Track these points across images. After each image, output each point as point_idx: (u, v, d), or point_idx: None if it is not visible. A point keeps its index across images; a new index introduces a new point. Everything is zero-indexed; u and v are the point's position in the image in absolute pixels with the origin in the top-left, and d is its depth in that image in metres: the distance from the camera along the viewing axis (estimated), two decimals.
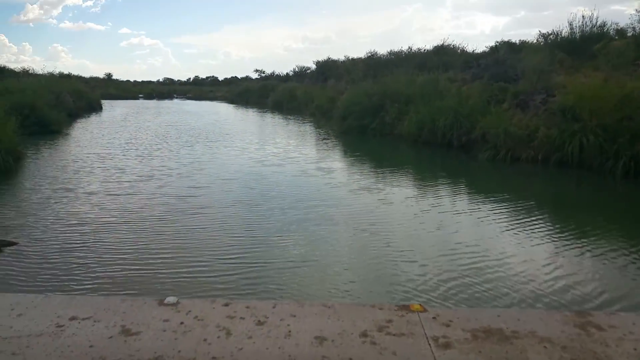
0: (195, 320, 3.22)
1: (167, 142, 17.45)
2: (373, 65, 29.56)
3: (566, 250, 6.38)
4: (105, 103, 40.15)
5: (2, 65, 38.34)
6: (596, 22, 18.98)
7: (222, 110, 39.02)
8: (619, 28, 19.67)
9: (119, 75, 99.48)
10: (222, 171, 11.85)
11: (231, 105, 45.74)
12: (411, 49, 31.37)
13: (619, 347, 2.88)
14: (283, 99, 37.00)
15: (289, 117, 29.70)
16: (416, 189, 10.29)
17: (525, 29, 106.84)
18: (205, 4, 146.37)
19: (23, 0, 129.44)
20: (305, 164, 12.88)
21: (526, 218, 7.77)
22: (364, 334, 3.06)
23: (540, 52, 18.50)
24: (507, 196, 9.30)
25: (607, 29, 19.17)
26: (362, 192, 9.63)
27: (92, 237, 6.72)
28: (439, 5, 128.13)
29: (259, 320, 3.21)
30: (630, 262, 5.90)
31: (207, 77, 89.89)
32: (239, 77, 76.96)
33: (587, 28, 18.92)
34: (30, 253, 6.10)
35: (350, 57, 37.92)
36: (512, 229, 7.25)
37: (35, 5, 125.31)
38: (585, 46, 17.99)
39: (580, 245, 6.54)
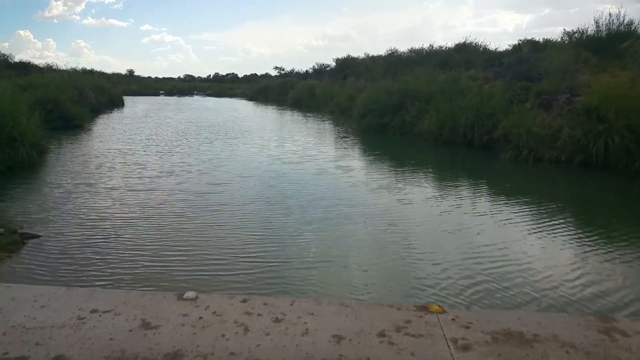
0: (214, 315, 3.26)
1: (187, 139, 17.54)
2: (393, 63, 29.38)
3: (591, 254, 6.21)
4: (127, 99, 40.61)
5: (26, 61, 39.01)
6: (623, 20, 18.51)
7: (241, 107, 39.15)
8: None
9: (141, 71, 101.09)
10: (241, 168, 11.85)
11: (250, 102, 45.86)
12: (432, 47, 31.28)
13: None
14: (302, 97, 36.95)
15: (308, 114, 29.65)
16: (437, 189, 10.14)
17: (550, 27, 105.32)
18: (226, 1, 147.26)
19: None
20: (324, 162, 12.81)
21: (550, 221, 7.59)
22: (382, 334, 3.04)
23: (565, 51, 18.12)
24: (530, 198, 9.11)
25: (635, 27, 18.62)
26: (382, 192, 9.52)
27: (113, 232, 6.78)
28: (461, 3, 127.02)
29: (277, 318, 3.23)
30: None
31: (227, 74, 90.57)
32: (259, 74, 77.31)
33: (614, 26, 18.47)
34: (52, 246, 6.19)
35: (370, 55, 37.81)
36: (536, 231, 7.09)
37: (59, 2, 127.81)
38: (611, 45, 17.55)
39: (605, 249, 6.36)
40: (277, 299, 3.73)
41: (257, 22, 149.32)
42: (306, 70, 54.13)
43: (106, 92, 33.15)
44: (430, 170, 12.28)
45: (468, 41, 29.90)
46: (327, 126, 23.69)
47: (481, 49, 28.92)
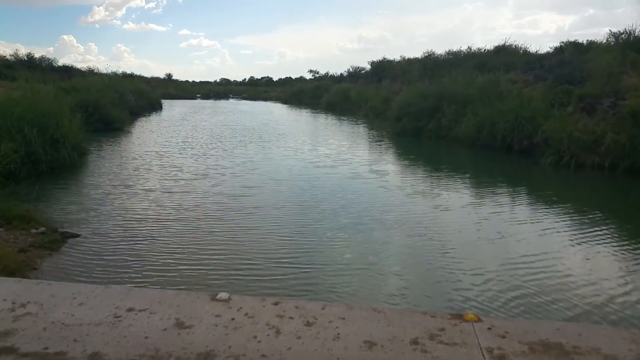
0: (246, 317, 3.24)
1: (222, 142, 17.74)
2: (430, 65, 29.10)
3: (637, 266, 5.93)
4: (165, 102, 41.48)
5: (69, 65, 40.55)
6: None
7: (275, 111, 39.47)
8: None
9: (179, 75, 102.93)
10: (275, 172, 11.89)
11: (285, 106, 46.15)
12: (470, 49, 30.99)
13: None
14: (336, 100, 36.98)
15: (342, 118, 29.60)
16: (474, 194, 9.88)
17: (594, 28, 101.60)
18: (262, 5, 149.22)
19: (90, 3, 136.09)
20: (358, 166, 12.71)
21: (593, 230, 7.29)
22: (415, 342, 2.95)
23: (610, 53, 17.54)
24: (572, 205, 8.79)
25: None
26: (417, 197, 9.37)
27: (149, 233, 6.88)
28: (501, 4, 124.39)
29: (308, 321, 3.19)
30: None
31: (262, 78, 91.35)
32: (293, 77, 77.79)
33: None
34: (91, 245, 6.34)
35: (407, 57, 37.55)
36: (578, 241, 6.81)
37: (101, 7, 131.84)
38: None
39: None
40: (308, 303, 3.69)
41: (293, 26, 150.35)
42: (341, 74, 54.11)
43: (145, 95, 33.94)
44: (467, 175, 12.03)
45: (508, 43, 29.52)
46: (361, 130, 23.59)
47: (521, 51, 28.45)
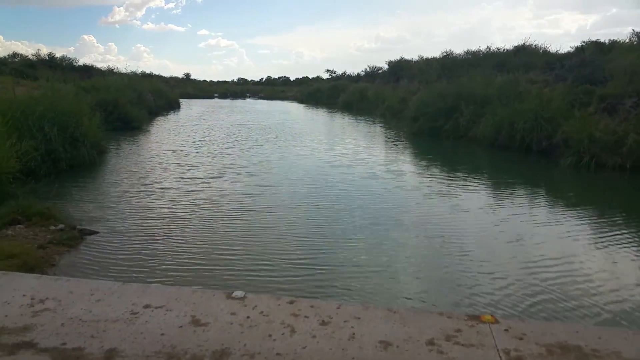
0: (261, 315, 3.28)
1: (238, 141, 17.80)
2: (448, 65, 28.86)
3: None
4: (183, 102, 41.81)
5: (89, 64, 41.09)
6: None
7: (292, 110, 39.52)
8: None
9: (197, 75, 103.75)
10: (291, 171, 11.88)
11: (301, 105, 46.17)
12: (489, 49, 30.71)
13: None
14: (353, 100, 36.90)
15: (359, 117, 29.50)
16: (493, 195, 9.75)
17: (617, 28, 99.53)
18: (280, 5, 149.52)
19: (111, 3, 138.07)
20: (375, 166, 12.63)
21: (615, 233, 7.13)
22: (431, 342, 2.96)
23: (633, 52, 17.18)
24: (593, 207, 8.64)
25: None
26: (435, 197, 9.26)
27: (165, 231, 6.92)
28: (521, 4, 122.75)
29: (323, 321, 3.21)
30: None
31: (279, 77, 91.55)
32: (310, 77, 77.79)
33: None
34: (108, 243, 6.41)
35: (424, 57, 37.29)
36: (600, 244, 6.66)
37: (121, 8, 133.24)
38: None
39: None
40: (323, 302, 3.71)
41: (310, 26, 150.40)
42: (358, 73, 54.00)
43: (164, 95, 34.21)
44: (485, 175, 11.87)
45: (527, 43, 29.17)
46: (378, 129, 23.49)
47: (541, 51, 28.08)
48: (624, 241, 6.77)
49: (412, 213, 8.10)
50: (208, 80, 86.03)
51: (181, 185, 9.93)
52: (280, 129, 22.38)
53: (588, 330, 3.38)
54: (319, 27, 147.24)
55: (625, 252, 6.37)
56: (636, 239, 6.91)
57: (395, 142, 18.35)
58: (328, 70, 65.60)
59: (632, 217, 8.26)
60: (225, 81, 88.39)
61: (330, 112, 35.85)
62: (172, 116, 30.00)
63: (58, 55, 39.98)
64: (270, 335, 3.01)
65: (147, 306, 3.39)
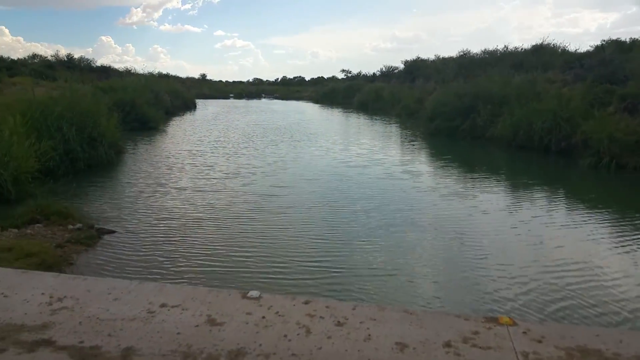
0: (276, 315, 3.25)
1: (253, 141, 17.85)
2: (465, 64, 28.69)
3: None
4: (199, 102, 42.14)
5: (107, 65, 41.67)
6: None
7: (307, 110, 39.55)
8: None
9: (213, 75, 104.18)
10: (306, 171, 11.86)
11: (317, 105, 46.21)
12: (507, 48, 30.60)
13: None
14: (368, 99, 36.83)
15: (375, 117, 29.41)
16: (512, 197, 9.60)
17: (637, 26, 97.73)
18: (296, 5, 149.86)
19: (128, 4, 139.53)
20: (391, 166, 12.56)
21: (637, 235, 6.99)
22: (448, 344, 2.90)
23: None
24: (614, 209, 8.46)
25: None
26: (452, 198, 9.16)
27: (181, 231, 6.95)
28: (539, 3, 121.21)
29: (339, 321, 3.17)
30: None
31: (295, 77, 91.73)
32: (326, 77, 77.82)
33: None
34: (125, 242, 6.46)
35: (441, 57, 37.14)
36: (622, 246, 6.53)
37: (138, 9, 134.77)
38: None
39: None
40: (339, 303, 3.68)
41: (326, 26, 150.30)
42: (373, 73, 53.84)
43: (180, 95, 34.50)
44: (503, 176, 11.72)
45: (546, 42, 28.89)
46: (394, 129, 23.38)
47: (560, 50, 27.76)
48: None
49: (429, 214, 8.01)
50: (224, 80, 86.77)
51: (197, 186, 9.97)
52: (295, 129, 22.40)
53: (609, 333, 3.30)
54: (335, 27, 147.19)
55: None
56: None
57: (411, 142, 18.25)
58: (343, 70, 65.57)
59: None
60: (240, 81, 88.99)
61: (346, 112, 35.82)
62: (188, 116, 30.22)
63: (76, 56, 40.72)
64: (285, 336, 2.98)
65: (163, 305, 3.39)
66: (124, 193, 9.26)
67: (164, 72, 53.81)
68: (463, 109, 18.45)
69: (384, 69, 50.56)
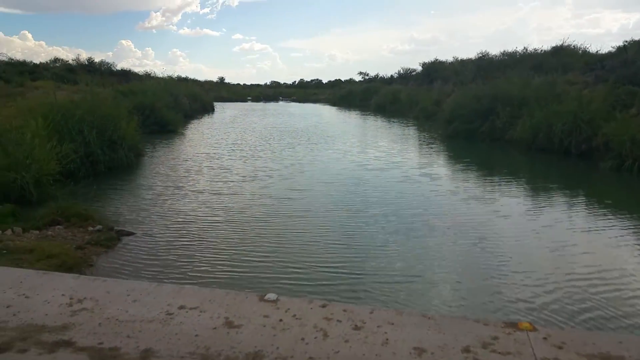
0: (294, 318, 3.27)
1: (270, 144, 17.88)
2: (484, 66, 28.43)
3: None
4: (217, 105, 42.48)
5: (127, 69, 42.11)
6: None
7: (324, 113, 39.51)
8: None
9: (231, 78, 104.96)
10: (323, 174, 11.83)
11: (334, 108, 46.16)
12: (526, 50, 30.30)
13: None
14: (386, 102, 36.73)
15: (392, 120, 29.26)
16: (533, 200, 9.40)
17: None
18: (313, 8, 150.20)
19: (148, 9, 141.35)
20: (409, 169, 12.47)
21: None
22: (467, 350, 2.88)
23: None
24: (639, 213, 8.25)
25: None
26: (472, 202, 9.03)
27: (198, 234, 6.98)
28: (559, 3, 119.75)
29: (356, 325, 3.18)
30: None
31: (312, 80, 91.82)
32: (343, 79, 77.77)
33: None
34: (144, 244, 6.52)
35: (459, 58, 36.88)
36: None
37: (158, 13, 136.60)
38: None
39: None
40: (356, 306, 3.65)
41: (343, 28, 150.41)
42: (391, 75, 53.72)
43: (198, 98, 34.82)
44: (524, 179, 11.53)
45: (566, 43, 28.48)
46: (411, 132, 23.22)
47: (580, 51, 27.32)
48: None
49: (449, 218, 7.90)
50: (242, 83, 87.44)
51: (214, 189, 10.01)
52: (312, 132, 22.39)
53: (632, 340, 3.23)
54: (352, 30, 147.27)
55: None
56: None
57: (429, 145, 18.11)
58: (361, 73, 65.27)
59: None
60: (258, 84, 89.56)
61: (363, 114, 35.71)
62: (206, 119, 30.42)
63: (97, 60, 41.12)
64: (302, 339, 2.99)
65: (181, 307, 3.42)
66: (143, 195, 9.34)
67: (183, 75, 54.29)
68: (482, 111, 18.28)
69: (401, 71, 50.39)
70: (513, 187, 10.50)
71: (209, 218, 7.81)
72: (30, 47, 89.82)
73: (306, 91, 74.12)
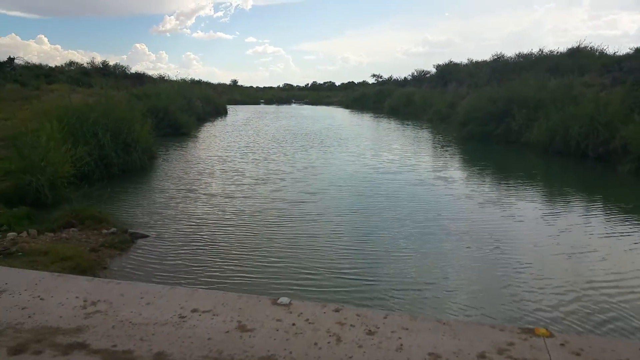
0: (307, 323, 3.27)
1: (283, 146, 17.86)
2: (499, 68, 28.26)
3: None
4: (230, 108, 42.63)
5: (141, 72, 42.40)
6: None
7: (337, 115, 39.46)
8: None
9: (244, 81, 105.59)
10: (337, 177, 11.76)
11: (347, 110, 46.12)
12: (542, 52, 30.14)
13: None
14: (399, 104, 36.65)
15: (406, 122, 29.11)
16: (550, 204, 9.23)
17: None
18: (326, 11, 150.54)
19: (162, 12, 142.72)
20: (423, 173, 12.36)
21: None
22: (482, 355, 2.85)
23: None
24: None
25: None
26: (488, 206, 8.90)
27: (210, 237, 6.97)
28: (575, 5, 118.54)
29: (370, 330, 3.16)
30: None
31: (325, 83, 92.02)
32: (356, 82, 77.69)
33: None
34: (157, 247, 6.52)
35: (474, 60, 36.69)
36: None
37: (172, 17, 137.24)
38: None
39: None
40: (370, 311, 3.61)
41: (356, 30, 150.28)
42: (404, 78, 53.56)
43: (212, 101, 35.00)
44: (540, 183, 11.36)
45: (582, 45, 28.19)
46: (425, 134, 23.07)
47: (597, 53, 27.03)
48: None
49: (464, 222, 7.79)
50: (254, 86, 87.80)
51: (226, 192, 10.01)
52: (325, 135, 22.34)
53: None
54: (365, 32, 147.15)
55: None
56: None
57: (444, 148, 17.96)
58: (374, 75, 65.09)
59: None
60: (271, 87, 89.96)
61: (376, 117, 35.61)
62: (219, 122, 30.54)
63: (111, 63, 41.50)
64: (315, 344, 2.97)
65: (194, 310, 3.43)
66: (156, 198, 9.36)
67: (196, 78, 54.81)
68: (497, 114, 18.14)
69: (415, 74, 50.16)
70: (529, 191, 10.34)
71: (221, 221, 7.80)
72: (46, 50, 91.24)
73: (319, 94, 74.29)
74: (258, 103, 63.08)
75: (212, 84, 61.45)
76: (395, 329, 3.15)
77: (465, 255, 6.34)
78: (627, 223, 7.86)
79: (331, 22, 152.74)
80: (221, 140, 20.05)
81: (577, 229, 7.56)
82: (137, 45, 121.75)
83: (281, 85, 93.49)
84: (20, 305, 3.48)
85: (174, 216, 8.05)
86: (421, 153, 16.38)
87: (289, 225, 7.65)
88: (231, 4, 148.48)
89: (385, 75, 62.17)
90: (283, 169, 12.88)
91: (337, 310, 3.43)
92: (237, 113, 39.82)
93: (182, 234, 7.10)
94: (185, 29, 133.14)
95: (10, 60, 32.04)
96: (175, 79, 38.05)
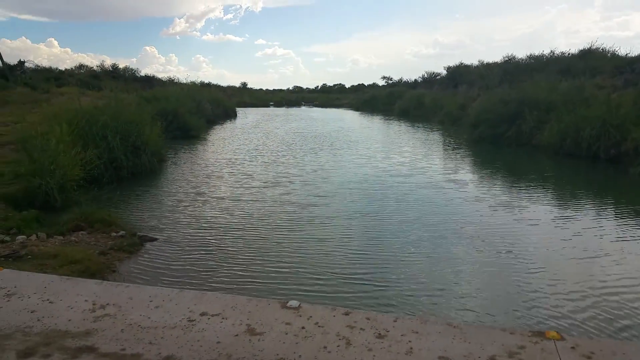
0: (316, 326, 3.25)
1: (292, 149, 17.84)
2: (510, 70, 28.13)
3: None
4: (240, 110, 42.74)
5: (151, 75, 42.88)
6: None
7: (347, 118, 39.41)
8: None
9: (253, 84, 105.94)
10: (347, 180, 11.70)
11: (357, 113, 46.02)
12: (553, 53, 29.96)
13: None
14: (410, 106, 36.51)
15: (416, 125, 28.98)
16: (562, 207, 9.13)
17: None
18: (336, 13, 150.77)
19: (172, 15, 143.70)
20: (434, 175, 12.28)
21: None
22: (493, 359, 2.82)
23: None
24: None
25: None
26: (499, 209, 8.80)
27: (219, 240, 6.96)
28: (587, 6, 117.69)
29: (379, 334, 3.14)
30: None
31: (335, 85, 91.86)
32: (366, 84, 77.62)
33: None
34: (165, 250, 6.52)
35: (485, 62, 36.53)
36: None
37: (182, 19, 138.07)
38: None
39: None
40: (380, 314, 3.58)
41: (366, 32, 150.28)
42: (415, 80, 53.27)
43: (221, 104, 35.08)
44: (552, 185, 11.24)
45: (594, 47, 28.00)
46: (436, 137, 22.94)
47: (609, 54, 26.79)
48: None
49: (475, 225, 7.71)
50: (264, 88, 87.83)
51: (235, 195, 10.00)
52: (335, 137, 22.28)
53: None
54: (375, 34, 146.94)
55: None
56: None
57: (455, 150, 17.85)
58: (384, 77, 64.96)
59: None
60: (280, 89, 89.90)
61: (386, 119, 35.49)
62: (228, 125, 30.62)
63: (121, 66, 41.91)
64: (325, 347, 2.96)
65: (203, 314, 3.43)
66: (166, 201, 9.38)
67: (206, 81, 55.09)
68: (508, 116, 18.05)
69: (425, 75, 49.94)
70: (541, 194, 10.23)
71: (230, 225, 7.78)
72: (56, 54, 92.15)
73: (329, 96, 74.21)
74: (267, 106, 63.16)
75: (222, 86, 61.88)
76: (405, 333, 3.13)
77: (477, 259, 6.26)
78: None
79: (341, 24, 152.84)
80: (230, 143, 20.09)
81: (589, 232, 7.45)
82: (147, 48, 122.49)
83: (291, 88, 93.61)
84: (29, 309, 3.48)
85: (183, 219, 8.05)
86: (432, 155, 16.27)
87: (298, 229, 7.62)
88: (241, 7, 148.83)
89: (396, 77, 61.98)
90: (292, 171, 12.85)
91: (346, 314, 3.41)
92: (247, 116, 39.91)
93: (191, 238, 7.09)
94: (195, 32, 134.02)
95: (21, 63, 32.46)
96: (184, 81, 38.32)
